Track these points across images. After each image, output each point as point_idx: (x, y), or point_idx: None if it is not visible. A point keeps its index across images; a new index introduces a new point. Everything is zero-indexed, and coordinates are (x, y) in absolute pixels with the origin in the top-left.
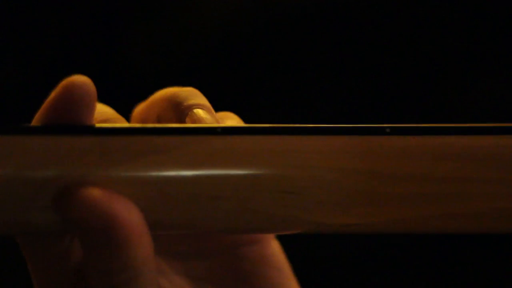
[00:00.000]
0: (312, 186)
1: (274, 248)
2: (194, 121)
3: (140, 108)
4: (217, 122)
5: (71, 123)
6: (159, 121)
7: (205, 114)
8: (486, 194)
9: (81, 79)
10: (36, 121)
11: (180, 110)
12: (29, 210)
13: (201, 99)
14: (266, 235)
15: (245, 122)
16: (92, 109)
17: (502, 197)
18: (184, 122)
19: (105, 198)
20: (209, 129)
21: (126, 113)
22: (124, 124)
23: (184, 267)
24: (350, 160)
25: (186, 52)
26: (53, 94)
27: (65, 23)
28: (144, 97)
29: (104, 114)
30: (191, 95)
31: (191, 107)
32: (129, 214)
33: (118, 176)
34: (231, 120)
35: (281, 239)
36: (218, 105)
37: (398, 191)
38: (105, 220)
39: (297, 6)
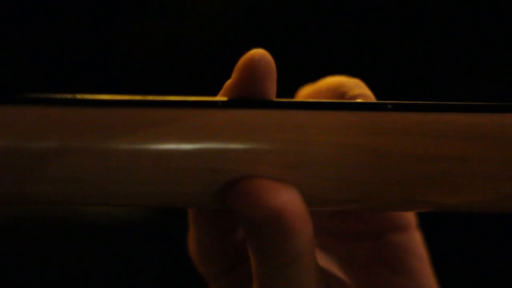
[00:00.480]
0: (312, 161)
1: (416, 237)
2: None
3: (304, 93)
4: None
5: (258, 96)
6: None
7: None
8: (486, 173)
9: (261, 54)
10: (224, 94)
11: (346, 99)
12: (27, 181)
13: (365, 89)
14: (411, 223)
15: None
16: (274, 83)
17: (503, 177)
18: None
19: (273, 191)
20: (210, 102)
21: None
22: (123, 96)
23: (333, 245)
24: (351, 136)
25: (184, 49)
26: (235, 71)
27: (61, 21)
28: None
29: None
30: (357, 85)
31: (355, 97)
32: (296, 205)
33: (117, 148)
34: None
35: None
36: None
37: (399, 168)
38: (272, 213)
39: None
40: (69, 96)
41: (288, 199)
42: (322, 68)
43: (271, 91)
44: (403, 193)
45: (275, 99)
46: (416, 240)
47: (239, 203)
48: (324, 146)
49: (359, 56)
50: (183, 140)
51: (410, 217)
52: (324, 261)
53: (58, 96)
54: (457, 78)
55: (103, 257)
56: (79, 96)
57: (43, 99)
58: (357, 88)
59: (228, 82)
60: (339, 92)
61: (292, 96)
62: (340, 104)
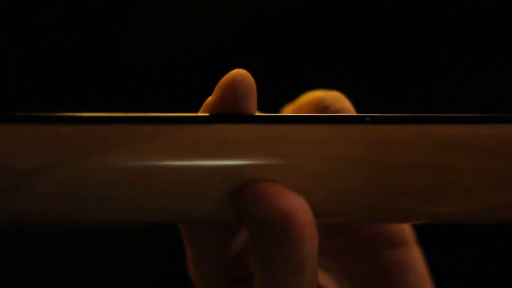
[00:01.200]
0: (295, 175)
1: (415, 253)
2: None
3: (287, 111)
4: None
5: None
6: None
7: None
8: (468, 184)
9: (242, 74)
10: (204, 111)
11: (329, 113)
12: (14, 199)
13: (346, 103)
14: (409, 239)
15: None
16: (254, 100)
17: (485, 188)
18: None
19: (283, 195)
20: (190, 118)
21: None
22: (104, 113)
23: (331, 263)
24: (332, 149)
25: (184, 49)
26: (216, 90)
27: (61, 20)
28: (142, 94)
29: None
30: (338, 99)
31: (337, 111)
32: (305, 213)
33: (100, 164)
34: None
35: None
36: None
37: (381, 180)
38: (282, 217)
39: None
40: (52, 113)
41: (298, 206)
42: (318, 64)
43: (252, 110)
44: (392, 203)
45: (256, 114)
46: (415, 256)
47: (249, 204)
48: (307, 159)
49: (361, 58)
50: (165, 155)
51: (408, 232)
52: (320, 278)
53: (42, 114)
54: (459, 83)
55: (102, 262)
56: (61, 113)
57: (27, 117)
58: (338, 102)
59: (209, 100)
60: (320, 107)
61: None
62: (320, 118)
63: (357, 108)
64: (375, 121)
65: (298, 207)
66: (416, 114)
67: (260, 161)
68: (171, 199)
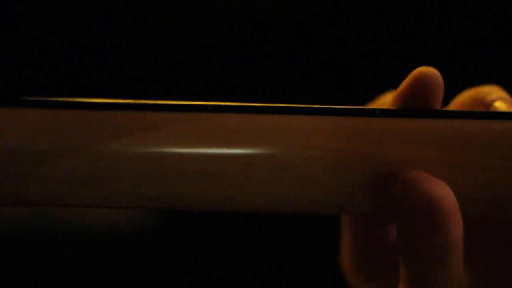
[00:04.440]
0: (302, 164)
1: None
2: None
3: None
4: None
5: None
6: None
7: (505, 105)
8: (463, 180)
9: (432, 71)
10: (389, 103)
11: (484, 105)
12: (25, 182)
13: (502, 92)
14: None
15: None
16: (440, 97)
17: (478, 183)
18: None
19: (431, 181)
20: (200, 106)
21: None
22: (116, 99)
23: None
24: (339, 140)
25: (189, 49)
26: (406, 82)
27: (63, 21)
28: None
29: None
30: (493, 90)
31: (493, 100)
32: (452, 200)
33: (110, 149)
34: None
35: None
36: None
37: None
38: (431, 202)
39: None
40: (64, 98)
41: (446, 193)
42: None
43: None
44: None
45: (265, 104)
46: None
47: (398, 190)
48: (314, 150)
49: (362, 48)
50: (175, 142)
51: None
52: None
53: (54, 98)
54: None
55: (104, 266)
56: (74, 99)
57: (40, 101)
58: (494, 92)
59: (399, 90)
60: (477, 99)
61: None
62: (330, 110)
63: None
64: (384, 114)
65: (444, 193)
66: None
67: (266, 150)
68: (177, 186)
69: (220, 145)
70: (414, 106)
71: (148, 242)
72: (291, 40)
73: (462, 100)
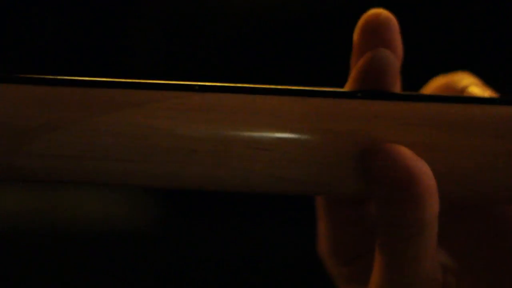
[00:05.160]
0: (284, 144)
1: None
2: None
3: (435, 84)
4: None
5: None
6: None
7: (478, 89)
8: (449, 161)
9: (386, 51)
10: (354, 56)
11: (457, 91)
12: (16, 155)
13: (473, 78)
14: None
15: None
16: (396, 78)
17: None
18: None
19: (410, 155)
20: (187, 85)
21: None
22: (105, 78)
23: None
24: (320, 121)
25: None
26: (361, 63)
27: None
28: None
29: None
30: (465, 76)
31: (466, 86)
32: (430, 178)
33: (99, 126)
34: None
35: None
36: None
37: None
38: (411, 176)
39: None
40: (55, 76)
41: (426, 170)
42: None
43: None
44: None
45: (251, 85)
46: None
47: (378, 163)
48: (298, 131)
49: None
50: (160, 120)
51: None
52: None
53: (45, 76)
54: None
55: (104, 265)
56: (63, 76)
57: (29, 78)
58: (465, 78)
59: (355, 43)
60: (450, 86)
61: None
62: (315, 92)
63: None
64: (366, 96)
65: (425, 170)
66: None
67: (249, 130)
68: (166, 164)
69: (203, 123)
70: (372, 87)
71: (148, 242)
72: (290, 34)
73: (434, 86)
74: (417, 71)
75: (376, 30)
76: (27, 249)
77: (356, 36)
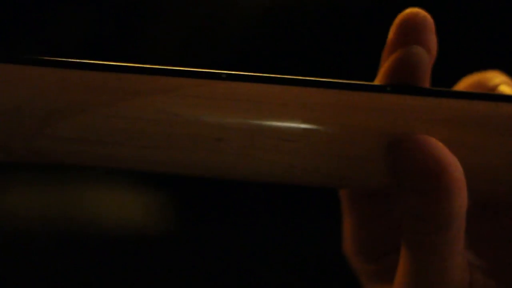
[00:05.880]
0: (312, 137)
1: None
2: None
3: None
4: None
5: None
6: None
7: (510, 89)
8: (473, 159)
9: (419, 48)
10: (387, 51)
11: (487, 89)
12: (36, 138)
13: (504, 77)
14: None
15: None
16: (427, 76)
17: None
18: None
19: (440, 147)
20: (214, 73)
21: None
22: (129, 63)
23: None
24: (346, 114)
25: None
26: (394, 57)
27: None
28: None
29: None
30: (496, 74)
31: (497, 85)
32: (457, 165)
33: (121, 111)
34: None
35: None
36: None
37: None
38: (437, 167)
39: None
40: (78, 59)
41: (454, 162)
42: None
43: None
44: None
45: (279, 76)
46: None
47: (405, 152)
48: (325, 123)
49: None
50: (186, 107)
51: None
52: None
53: (69, 59)
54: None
55: (117, 270)
56: (87, 60)
57: (53, 61)
58: (496, 76)
59: (389, 39)
60: (481, 84)
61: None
62: (344, 84)
63: None
64: (395, 90)
65: (454, 162)
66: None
67: (274, 120)
68: (190, 152)
69: (229, 112)
70: (402, 82)
71: (163, 244)
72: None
73: (465, 84)
74: (450, 70)
75: (412, 28)
76: (42, 251)
77: (391, 33)
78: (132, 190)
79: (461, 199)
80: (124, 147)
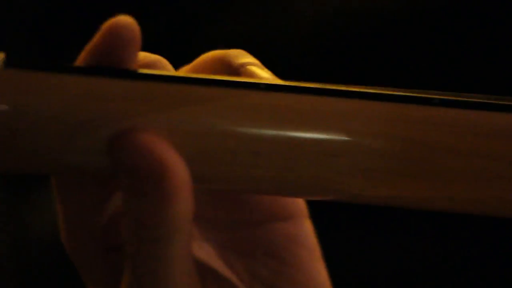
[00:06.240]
0: (355, 152)
1: (306, 228)
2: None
3: (185, 68)
4: (273, 78)
5: (114, 65)
6: None
7: (259, 70)
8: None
9: (126, 20)
10: (79, 62)
11: (233, 68)
12: (67, 151)
13: (251, 57)
14: (300, 212)
15: None
16: (136, 52)
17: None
18: None
19: (160, 147)
20: (253, 84)
21: None
22: (166, 71)
23: (213, 234)
24: (396, 129)
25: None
26: (97, 36)
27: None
28: None
29: (146, 58)
30: (242, 54)
31: (244, 64)
32: (180, 168)
33: (156, 123)
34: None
35: None
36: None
37: (444, 166)
38: (157, 169)
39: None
40: (110, 68)
41: (176, 161)
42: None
43: (131, 60)
44: (445, 192)
45: (320, 86)
46: (306, 230)
47: (124, 149)
48: (369, 137)
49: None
50: (224, 119)
51: (300, 205)
52: (200, 249)
53: (99, 66)
54: None
55: None
56: (121, 68)
57: (85, 69)
58: (243, 56)
59: (89, 46)
60: (225, 62)
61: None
62: (389, 96)
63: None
64: (443, 103)
65: (177, 162)
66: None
67: (319, 133)
68: (226, 166)
69: (268, 125)
70: (106, 62)
71: None
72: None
73: (204, 61)
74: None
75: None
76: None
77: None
78: None
79: (187, 204)
80: None
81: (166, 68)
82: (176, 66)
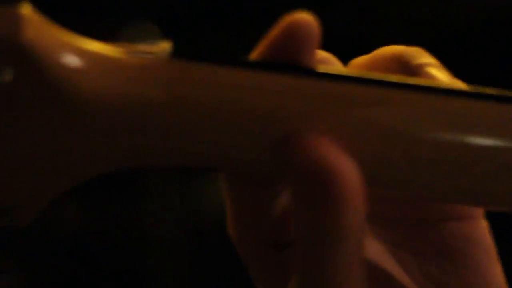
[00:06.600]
0: None
1: (482, 228)
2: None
3: (359, 63)
4: (452, 81)
5: (292, 62)
6: None
7: (439, 73)
8: None
9: (307, 17)
10: (253, 56)
11: (411, 68)
12: (243, 147)
13: (431, 58)
14: (476, 212)
15: None
16: (314, 51)
17: None
18: None
19: (332, 151)
20: (433, 88)
21: None
22: (342, 70)
23: (385, 232)
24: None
25: None
26: (275, 31)
27: None
28: None
29: (317, 55)
30: (420, 53)
31: (423, 65)
32: (354, 175)
33: (336, 124)
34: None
35: None
36: None
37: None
38: (327, 175)
39: None
40: (287, 64)
41: (348, 165)
42: None
43: (309, 58)
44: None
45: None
46: (481, 231)
47: (294, 154)
48: None
49: None
50: (401, 123)
51: None
52: (372, 248)
53: (276, 63)
54: None
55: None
56: (298, 66)
57: (259, 63)
58: (422, 56)
59: (265, 41)
60: (403, 60)
61: None
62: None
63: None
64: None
65: (348, 166)
66: None
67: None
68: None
69: (445, 129)
70: (284, 59)
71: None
72: None
73: (381, 57)
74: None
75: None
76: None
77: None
78: None
79: (359, 210)
80: None
81: (336, 65)
82: None
